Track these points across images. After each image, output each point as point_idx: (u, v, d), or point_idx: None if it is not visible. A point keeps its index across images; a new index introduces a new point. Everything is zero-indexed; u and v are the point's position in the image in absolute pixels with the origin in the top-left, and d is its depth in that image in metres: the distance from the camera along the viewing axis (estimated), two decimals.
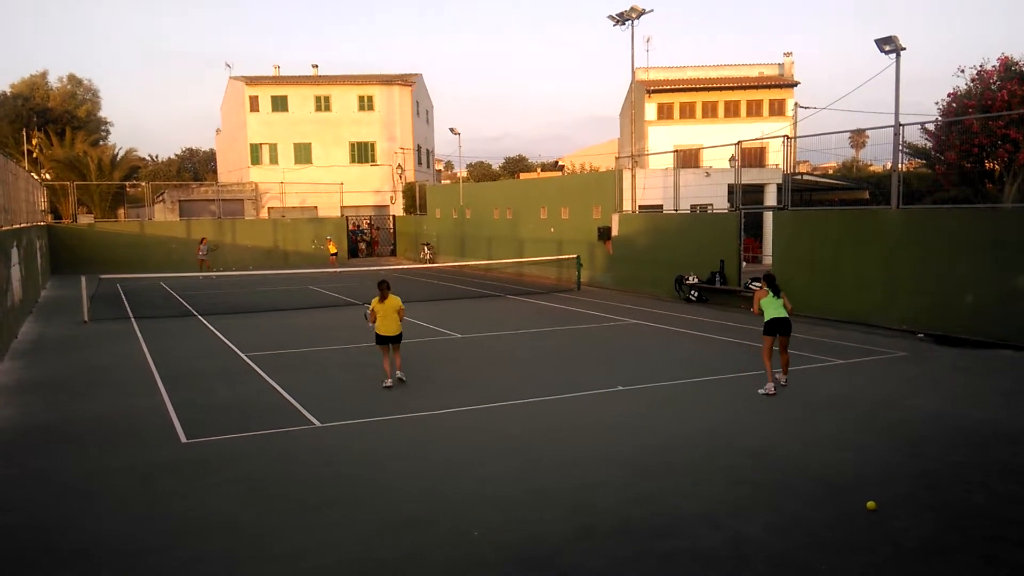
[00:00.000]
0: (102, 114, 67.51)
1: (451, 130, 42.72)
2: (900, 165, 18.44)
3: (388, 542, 6.56)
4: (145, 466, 8.60)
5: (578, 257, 27.67)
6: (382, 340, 12.19)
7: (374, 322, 12.13)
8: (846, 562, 6.02)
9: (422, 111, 58.24)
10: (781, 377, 11.85)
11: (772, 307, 11.60)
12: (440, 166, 79.75)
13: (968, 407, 10.55)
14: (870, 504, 7.03)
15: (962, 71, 24.25)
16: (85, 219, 42.31)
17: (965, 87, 24.16)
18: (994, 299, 15.22)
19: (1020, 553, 6.16)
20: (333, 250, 39.49)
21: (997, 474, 7.92)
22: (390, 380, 12.10)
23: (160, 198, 51.63)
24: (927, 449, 8.74)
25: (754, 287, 12.14)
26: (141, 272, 30.76)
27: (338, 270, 32.28)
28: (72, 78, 65.42)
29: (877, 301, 17.53)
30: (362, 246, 47.36)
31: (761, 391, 11.37)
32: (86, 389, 12.50)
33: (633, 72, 30.77)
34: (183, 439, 9.60)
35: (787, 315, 11.58)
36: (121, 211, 52.63)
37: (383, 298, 12.07)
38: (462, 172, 56.32)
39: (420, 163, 56.65)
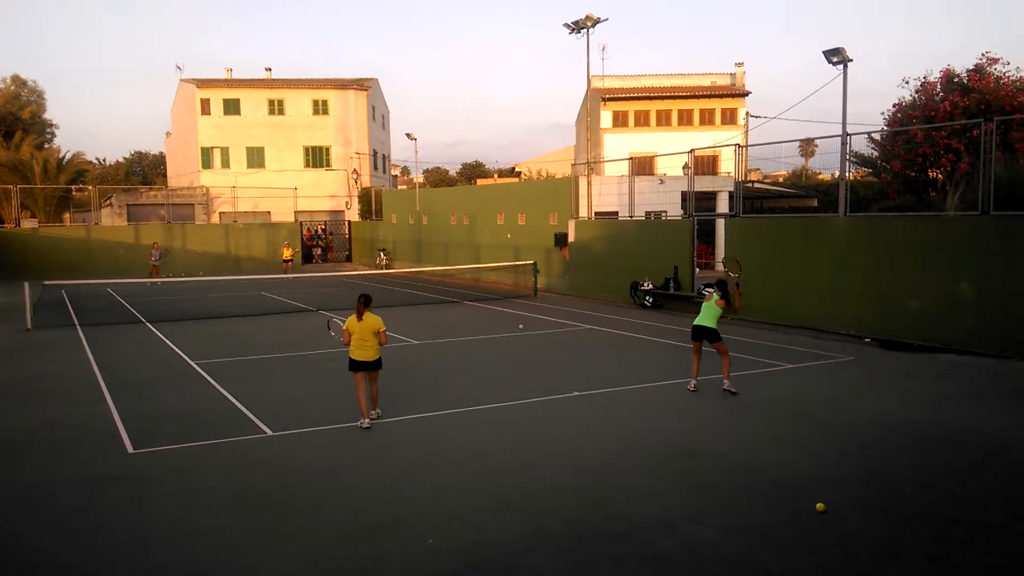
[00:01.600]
0: (47, 116, 65.71)
1: (407, 135, 42.61)
2: (847, 174, 18.88)
3: (343, 551, 6.48)
4: (90, 477, 8.37)
5: (535, 263, 27.75)
6: (357, 366, 10.21)
7: (347, 343, 10.31)
8: (798, 562, 6.12)
9: (378, 116, 57.91)
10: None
11: (703, 310, 12.15)
12: (396, 171, 79.32)
13: (914, 410, 10.82)
14: (819, 505, 7.15)
15: (907, 82, 24.99)
16: (29, 223, 41.15)
17: (910, 98, 24.87)
18: (938, 304, 15.65)
19: (966, 552, 6.32)
20: (288, 256, 38.60)
21: (943, 475, 8.13)
22: (367, 420, 10.18)
23: (107, 202, 50.42)
24: (875, 451, 8.93)
25: (707, 292, 12.38)
26: (87, 278, 30.03)
27: (290, 275, 31.90)
28: (16, 79, 63.55)
29: (826, 306, 17.89)
30: (318, 251, 46.78)
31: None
32: (29, 398, 12.13)
33: (589, 80, 31.02)
34: (130, 449, 9.37)
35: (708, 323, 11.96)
36: (67, 215, 51.23)
37: (360, 315, 10.17)
38: (419, 178, 56.13)
39: (376, 168, 56.30)
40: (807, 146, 63.06)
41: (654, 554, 6.32)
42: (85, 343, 17.38)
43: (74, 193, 52.40)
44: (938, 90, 23.88)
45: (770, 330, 18.14)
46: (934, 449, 9.03)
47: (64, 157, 55.15)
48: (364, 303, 10.20)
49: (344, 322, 10.44)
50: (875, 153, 27.12)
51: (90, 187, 50.10)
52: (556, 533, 6.74)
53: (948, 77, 23.81)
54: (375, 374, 10.43)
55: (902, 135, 23.61)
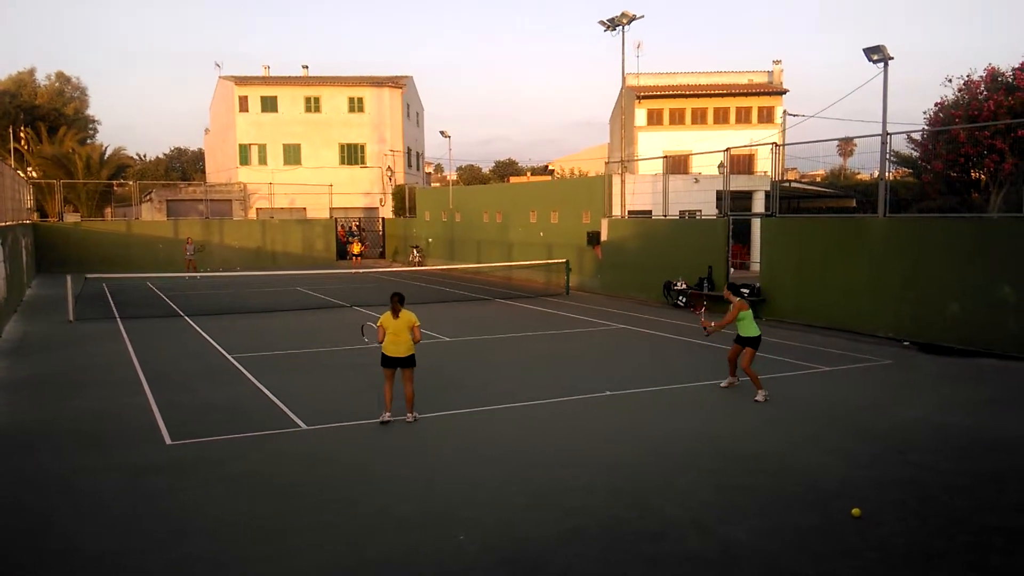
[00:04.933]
0: (90, 112, 67.21)
1: (441, 133, 42.73)
2: (887, 174, 18.56)
3: (375, 544, 6.53)
4: (129, 467, 8.53)
5: (567, 262, 27.69)
6: (389, 362, 10.29)
7: (381, 340, 10.35)
8: (834, 567, 6.04)
9: (412, 113, 58.18)
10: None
11: (751, 318, 11.79)
12: (430, 169, 79.69)
13: (953, 415, 10.62)
14: (855, 511, 7.05)
15: (949, 81, 24.49)
16: (71, 218, 42.02)
17: (952, 97, 24.38)
18: (979, 308, 15.34)
19: (1005, 559, 6.20)
20: (357, 250, 40.47)
21: (982, 481, 7.97)
22: (388, 413, 10.25)
23: (147, 197, 51.31)
24: (913, 456, 8.78)
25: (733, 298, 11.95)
26: (127, 272, 30.61)
27: (361, 270, 32.49)
28: (60, 75, 65.11)
29: (863, 309, 17.62)
30: (350, 248, 47.17)
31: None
32: (70, 389, 12.39)
33: (623, 77, 30.86)
34: (168, 440, 9.53)
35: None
36: (108, 210, 52.26)
37: (396, 313, 10.26)
38: (452, 175, 56.29)
39: (410, 165, 56.58)
40: (846, 145, 62.03)
41: (687, 554, 6.29)
42: (125, 336, 17.72)
43: (115, 188, 53.44)
44: (982, 89, 23.37)
45: (806, 332, 17.91)
46: (973, 455, 8.86)
47: (106, 153, 56.31)
48: (399, 300, 10.28)
49: (377, 324, 10.47)
50: (915, 153, 26.63)
51: (131, 182, 51.08)
52: (588, 531, 6.73)
53: (993, 75, 23.30)
54: (409, 372, 10.33)
55: (944, 135, 23.16)
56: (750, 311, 11.84)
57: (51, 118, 58.37)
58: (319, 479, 8.16)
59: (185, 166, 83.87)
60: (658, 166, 37.64)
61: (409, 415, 10.34)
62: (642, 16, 27.56)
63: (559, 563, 6.13)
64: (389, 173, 52.58)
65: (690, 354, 15.51)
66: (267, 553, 6.38)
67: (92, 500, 7.58)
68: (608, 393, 11.88)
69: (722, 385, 12.20)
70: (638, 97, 48.44)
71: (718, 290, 21.79)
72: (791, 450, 9.06)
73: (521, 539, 6.59)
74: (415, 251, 41.32)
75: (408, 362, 10.30)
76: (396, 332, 10.21)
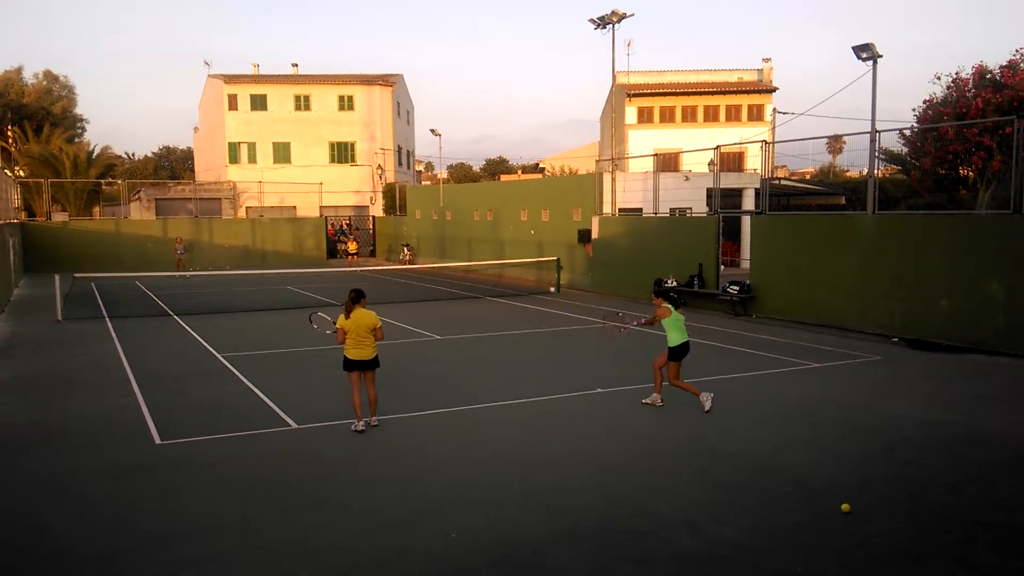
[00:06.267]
0: (77, 111, 66.74)
1: (432, 131, 42.73)
2: (876, 171, 18.64)
3: (367, 544, 6.52)
4: (118, 467, 8.49)
5: (558, 259, 27.70)
6: (352, 365, 9.67)
7: (341, 342, 9.73)
8: (822, 564, 6.06)
9: (403, 112, 58.08)
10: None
11: (677, 327, 10.66)
12: (420, 167, 79.50)
13: (942, 411, 10.67)
14: (845, 506, 7.08)
15: (938, 78, 24.57)
16: (59, 217, 41.75)
17: (941, 94, 24.47)
18: (968, 304, 15.42)
19: (994, 557, 6.23)
20: (353, 248, 40.94)
21: (971, 478, 8.01)
22: (361, 422, 9.67)
23: (136, 196, 51.05)
24: (902, 452, 8.82)
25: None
26: (116, 271, 30.42)
27: (358, 269, 32.64)
28: (48, 74, 64.67)
29: (852, 305, 17.69)
30: (342, 247, 47.14)
31: (646, 400, 10.97)
32: (59, 389, 12.32)
33: (614, 76, 30.89)
34: (157, 440, 9.48)
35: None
36: (96, 209, 51.98)
37: (347, 313, 9.59)
38: (442, 173, 56.22)
39: (400, 164, 56.49)
40: (835, 143, 62.27)
41: (677, 553, 6.30)
42: (114, 335, 17.62)
43: (104, 187, 53.13)
44: (970, 86, 23.46)
45: (796, 329, 17.97)
46: (962, 451, 8.90)
47: (94, 151, 55.97)
48: (354, 300, 9.61)
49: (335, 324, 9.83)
50: (904, 150, 26.74)
51: (119, 181, 50.77)
52: (579, 531, 6.73)
53: (981, 73, 23.39)
54: (372, 374, 9.79)
55: (933, 132, 23.25)
56: (675, 317, 10.68)
57: (38, 117, 57.95)
58: (309, 479, 8.13)
59: (174, 165, 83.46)
60: (648, 164, 37.74)
61: (372, 419, 9.89)
62: (632, 14, 27.61)
63: (550, 563, 6.13)
64: (379, 171, 52.47)
65: None
66: (257, 554, 6.36)
67: (82, 501, 7.54)
68: (599, 391, 11.88)
69: (643, 402, 11.03)
70: (628, 95, 48.49)
71: (709, 287, 21.86)
72: (780, 448, 9.09)
73: (512, 539, 6.58)
74: (405, 249, 41.28)
75: (372, 364, 9.74)
76: (358, 334, 9.59)
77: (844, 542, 6.47)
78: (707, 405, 10.56)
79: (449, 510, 7.22)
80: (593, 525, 6.85)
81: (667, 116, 49.54)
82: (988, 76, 23.21)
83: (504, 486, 7.85)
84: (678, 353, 10.66)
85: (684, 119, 49.46)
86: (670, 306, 10.78)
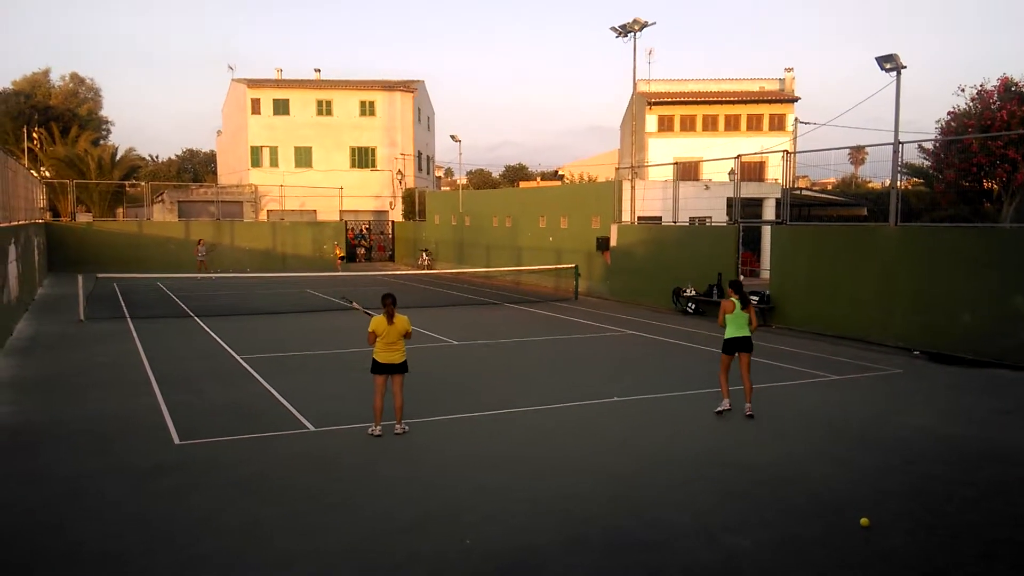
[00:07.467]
0: (103, 113, 67.58)
1: (452, 137, 42.78)
2: (899, 183, 18.49)
3: (380, 548, 6.54)
4: (137, 467, 8.57)
5: (576, 267, 27.68)
6: (382, 369, 9.58)
7: (372, 344, 9.65)
8: None
9: (423, 118, 58.32)
10: (747, 407, 10.85)
11: (735, 323, 10.89)
12: (440, 173, 79.80)
13: (962, 425, 10.55)
14: (863, 520, 7.02)
15: (962, 90, 24.41)
16: (84, 218, 42.26)
17: (965, 106, 24.28)
18: (990, 318, 15.24)
19: (1013, 572, 6.15)
20: (340, 254, 41.45)
21: (990, 493, 7.92)
22: (378, 427, 9.59)
23: (159, 198, 51.57)
24: (921, 466, 8.73)
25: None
26: (138, 272, 30.72)
27: (339, 273, 32.76)
28: (74, 76, 65.49)
29: (873, 318, 17.54)
30: (361, 251, 47.53)
31: (718, 409, 10.96)
32: (80, 389, 12.46)
33: (634, 84, 30.85)
34: (176, 441, 9.57)
35: (749, 333, 10.90)
36: (120, 210, 52.53)
37: (390, 318, 9.47)
38: (462, 179, 56.38)
39: (420, 169, 56.69)
40: (857, 154, 61.81)
41: (690, 564, 6.26)
42: (135, 336, 17.80)
43: (127, 189, 53.71)
44: (995, 98, 23.27)
45: (815, 340, 17.84)
46: (982, 466, 8.79)
47: (118, 153, 56.62)
48: (393, 303, 9.52)
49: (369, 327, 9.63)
50: (927, 162, 26.53)
51: (143, 183, 51.35)
52: (591, 539, 6.71)
53: (1006, 85, 23.20)
54: (400, 379, 9.69)
55: (956, 144, 23.05)
56: (737, 314, 10.83)
57: (65, 119, 58.75)
58: (325, 481, 8.17)
59: (197, 167, 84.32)
60: (668, 172, 37.64)
61: (398, 426, 9.77)
62: (654, 23, 27.57)
63: (561, 572, 6.12)
64: (399, 177, 52.70)
65: (698, 361, 15.46)
66: (271, 556, 6.39)
67: (100, 500, 7.62)
68: (616, 399, 11.85)
69: (716, 411, 10.98)
70: (649, 103, 48.41)
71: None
72: (798, 459, 9.02)
73: (524, 546, 6.58)
74: (424, 254, 41.40)
75: (401, 368, 9.69)
76: (391, 339, 9.53)
77: (862, 556, 6.41)
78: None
79: (461, 515, 7.22)
80: (605, 533, 6.82)
81: (687, 125, 49.42)
82: (1013, 88, 23.00)
83: (517, 492, 7.85)
84: (728, 346, 10.95)
85: (705, 128, 49.32)
86: (736, 301, 10.96)
